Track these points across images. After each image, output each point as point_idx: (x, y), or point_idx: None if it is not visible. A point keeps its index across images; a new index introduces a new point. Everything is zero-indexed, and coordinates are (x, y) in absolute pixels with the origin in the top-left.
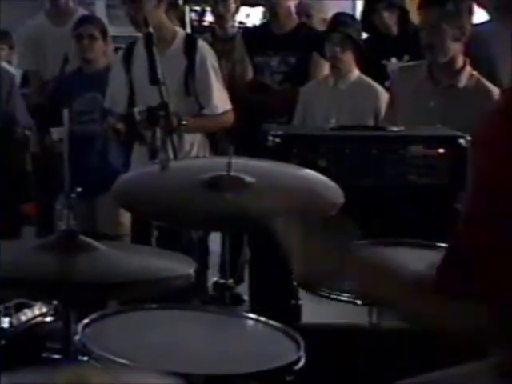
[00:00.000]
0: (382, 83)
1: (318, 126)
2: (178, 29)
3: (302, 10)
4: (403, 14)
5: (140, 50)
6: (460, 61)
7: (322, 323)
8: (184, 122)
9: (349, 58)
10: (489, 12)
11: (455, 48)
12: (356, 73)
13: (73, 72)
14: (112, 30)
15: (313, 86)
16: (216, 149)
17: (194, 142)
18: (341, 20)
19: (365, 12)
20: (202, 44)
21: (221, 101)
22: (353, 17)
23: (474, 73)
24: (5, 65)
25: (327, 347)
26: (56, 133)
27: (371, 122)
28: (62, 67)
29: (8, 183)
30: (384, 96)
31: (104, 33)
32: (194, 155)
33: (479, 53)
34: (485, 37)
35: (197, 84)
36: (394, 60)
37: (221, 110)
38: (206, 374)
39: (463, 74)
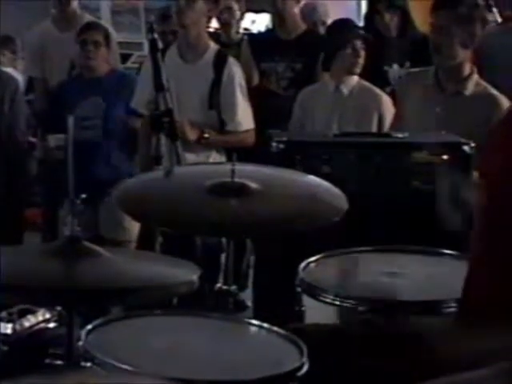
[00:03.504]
0: (382, 89)
1: (322, 132)
2: (211, 42)
3: (307, 16)
4: (404, 16)
5: (169, 56)
6: (467, 68)
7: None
8: (206, 135)
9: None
10: None
11: (463, 54)
12: (355, 77)
13: (74, 77)
14: (117, 36)
15: (312, 91)
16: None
17: (210, 155)
18: (349, 25)
19: (367, 15)
20: (232, 61)
21: (245, 118)
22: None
23: (481, 81)
24: (8, 70)
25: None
26: (53, 140)
27: (374, 126)
28: (70, 73)
29: (10, 188)
30: (386, 100)
31: (107, 39)
32: None
33: (484, 62)
34: (490, 48)
35: (222, 99)
36: (395, 66)
37: (244, 127)
38: (209, 380)
39: (470, 82)
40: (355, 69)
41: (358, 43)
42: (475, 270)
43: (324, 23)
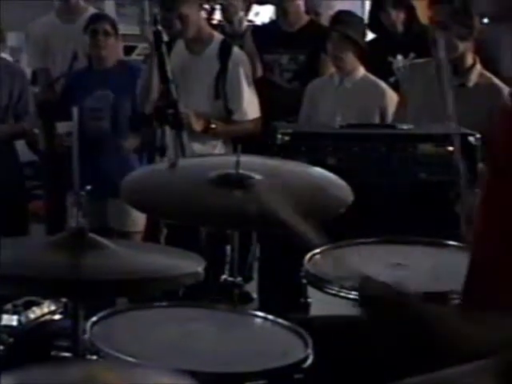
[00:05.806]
0: (386, 80)
1: (327, 124)
2: (216, 33)
3: (310, 8)
4: (410, 12)
5: (177, 49)
6: (469, 59)
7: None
8: (213, 126)
9: (349, 56)
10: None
11: (463, 46)
12: (361, 71)
13: (82, 69)
14: (121, 29)
15: (318, 84)
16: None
17: (216, 144)
18: (340, 19)
19: (372, 11)
20: (236, 51)
21: (251, 108)
22: (355, 15)
23: (485, 71)
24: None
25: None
26: (61, 127)
27: (377, 120)
28: (71, 64)
29: (15, 182)
30: (390, 94)
31: (115, 29)
32: None
33: (489, 53)
34: (494, 37)
35: (228, 89)
36: (399, 57)
37: (250, 116)
38: (214, 372)
39: (473, 73)
40: (338, 62)
41: (334, 37)
42: (478, 258)
43: (318, 14)
